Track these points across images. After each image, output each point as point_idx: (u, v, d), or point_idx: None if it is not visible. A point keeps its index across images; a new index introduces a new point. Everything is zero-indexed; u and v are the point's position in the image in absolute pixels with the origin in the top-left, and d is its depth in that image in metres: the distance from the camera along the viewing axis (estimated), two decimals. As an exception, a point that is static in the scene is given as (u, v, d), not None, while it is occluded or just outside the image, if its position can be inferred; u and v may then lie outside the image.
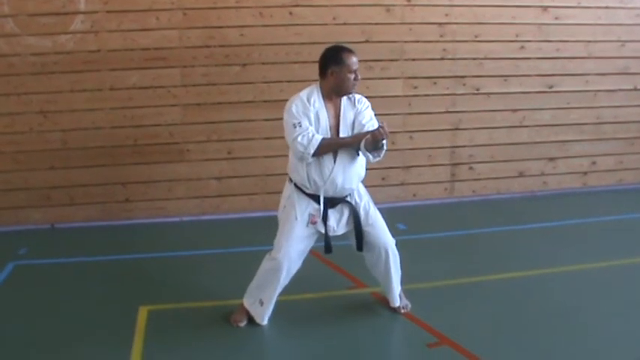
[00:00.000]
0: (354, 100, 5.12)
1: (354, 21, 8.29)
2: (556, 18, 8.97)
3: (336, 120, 5.05)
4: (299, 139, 4.86)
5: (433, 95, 8.75)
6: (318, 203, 5.08)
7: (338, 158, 5.01)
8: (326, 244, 5.14)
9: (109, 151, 8.00)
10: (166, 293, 5.94)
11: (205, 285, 6.14)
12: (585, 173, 9.55)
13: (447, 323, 5.21)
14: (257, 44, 8.10)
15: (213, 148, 8.24)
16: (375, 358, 4.87)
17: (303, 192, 5.11)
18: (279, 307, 5.36)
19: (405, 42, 8.46)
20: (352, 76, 4.95)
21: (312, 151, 4.87)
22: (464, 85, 8.76)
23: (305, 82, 8.02)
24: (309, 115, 4.93)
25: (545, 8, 8.91)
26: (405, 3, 8.42)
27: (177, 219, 8.24)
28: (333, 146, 4.98)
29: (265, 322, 5.27)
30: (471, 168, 9.07)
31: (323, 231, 5.12)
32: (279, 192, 8.23)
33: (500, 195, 9.10)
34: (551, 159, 9.35)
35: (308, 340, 5.06)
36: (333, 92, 5.02)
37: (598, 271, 6.42)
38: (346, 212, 5.19)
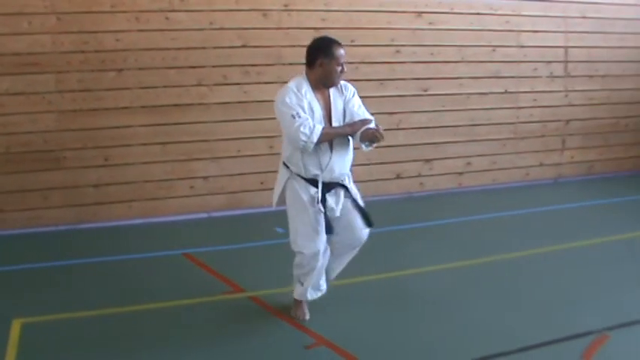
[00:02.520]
0: (341, 87, 5.23)
1: (230, 26, 8.28)
2: (430, 23, 9.22)
3: (327, 109, 5.13)
4: (301, 129, 4.89)
5: (310, 99, 8.80)
6: (315, 187, 5.14)
7: (334, 147, 5.11)
8: (327, 225, 5.19)
9: (-20, 160, 7.74)
10: (41, 305, 5.77)
11: (83, 295, 6.01)
12: (460, 174, 9.84)
13: (325, 325, 5.30)
14: (133, 49, 7.97)
15: (90, 155, 8.04)
16: (252, 362, 4.89)
17: (301, 177, 5.16)
18: (152, 315, 5.30)
19: (282, 47, 8.48)
20: (339, 68, 5.05)
21: (315, 140, 4.91)
22: (341, 89, 8.82)
23: (182, 87, 8.11)
24: (302, 106, 4.99)
25: (419, 14, 9.14)
26: (282, 8, 8.47)
27: (53, 228, 8.02)
28: (332, 135, 5.05)
29: (308, 298, 5.43)
30: (349, 171, 9.16)
31: (322, 212, 5.17)
32: (158, 198, 8.34)
33: (378, 197, 9.23)
34: (427, 160, 9.59)
35: (183, 347, 5.01)
36: (320, 83, 5.10)
37: (474, 267, 6.65)
38: (341, 194, 5.28)
